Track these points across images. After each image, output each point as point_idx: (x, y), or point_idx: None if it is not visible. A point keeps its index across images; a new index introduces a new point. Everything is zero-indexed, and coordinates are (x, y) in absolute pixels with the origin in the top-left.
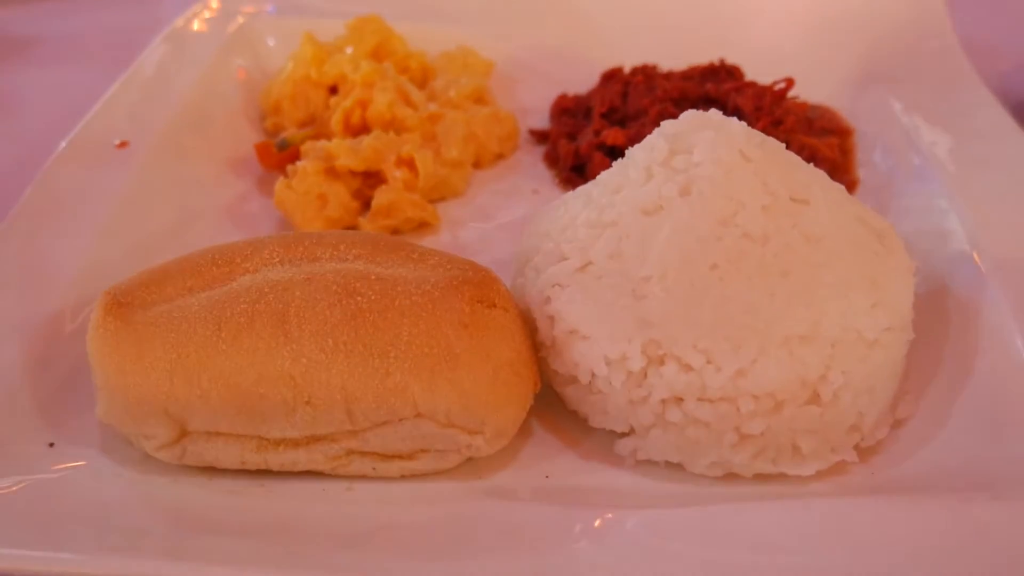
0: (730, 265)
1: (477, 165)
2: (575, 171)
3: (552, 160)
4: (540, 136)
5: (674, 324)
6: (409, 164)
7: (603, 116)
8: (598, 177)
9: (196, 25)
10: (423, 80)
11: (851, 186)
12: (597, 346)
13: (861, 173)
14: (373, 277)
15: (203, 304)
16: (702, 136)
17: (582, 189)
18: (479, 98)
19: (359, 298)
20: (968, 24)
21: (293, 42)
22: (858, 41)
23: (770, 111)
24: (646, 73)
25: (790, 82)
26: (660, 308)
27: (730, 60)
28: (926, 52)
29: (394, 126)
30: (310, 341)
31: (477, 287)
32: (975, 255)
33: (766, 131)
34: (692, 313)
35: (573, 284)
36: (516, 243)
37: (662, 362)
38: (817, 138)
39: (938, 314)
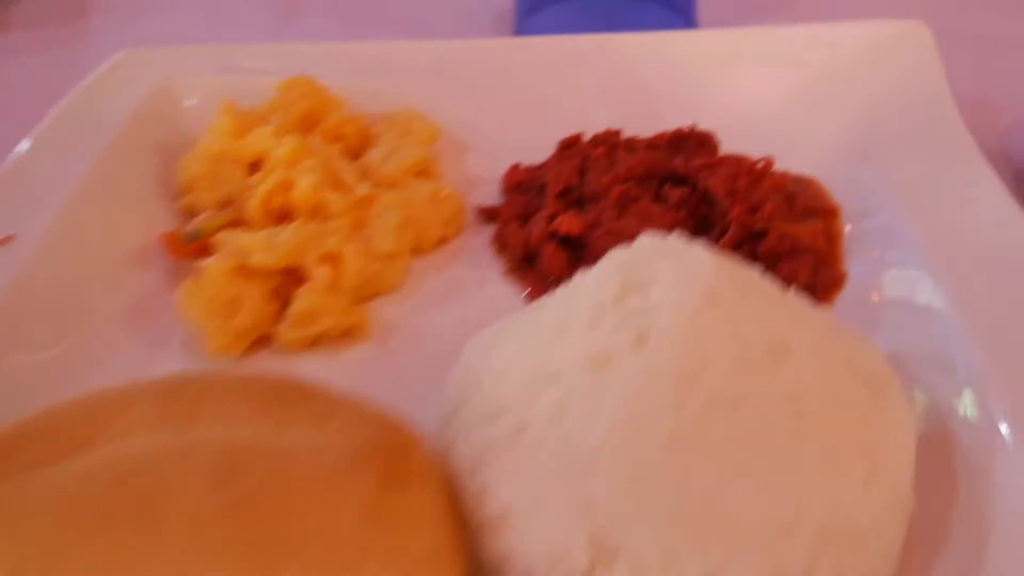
0: (694, 437)
1: (417, 251)
2: (526, 262)
3: (502, 245)
4: (489, 214)
5: (626, 511)
6: (335, 260)
7: (558, 196)
8: (544, 300)
9: (104, 85)
10: (360, 149)
11: (837, 283)
12: (532, 536)
13: (848, 263)
14: (262, 451)
15: (52, 486)
16: (660, 270)
17: (525, 314)
18: (422, 170)
19: (244, 480)
20: (965, 77)
21: (217, 105)
22: (846, 103)
23: (746, 195)
24: (608, 142)
25: (769, 163)
26: (609, 489)
27: (704, 125)
28: (921, 118)
29: (320, 213)
30: (183, 539)
31: (388, 461)
32: (983, 390)
33: (742, 219)
34: (648, 497)
35: (506, 452)
36: (455, 356)
37: (612, 560)
38: (800, 222)
39: (942, 467)
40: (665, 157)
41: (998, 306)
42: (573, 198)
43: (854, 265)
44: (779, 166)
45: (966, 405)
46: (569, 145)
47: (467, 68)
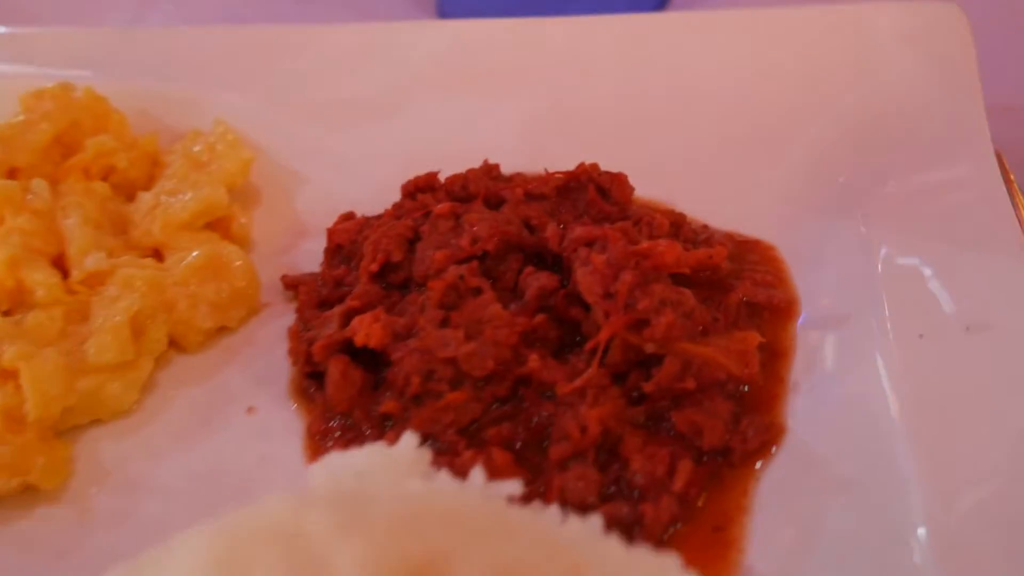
0: None
1: (179, 346)
2: (312, 378)
3: (291, 343)
4: (293, 285)
5: None
6: (14, 378)
7: (373, 277)
8: None
9: None
10: (147, 183)
11: (768, 442)
12: None
13: (791, 410)
14: None
15: None
16: None
17: None
18: (214, 222)
19: None
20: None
21: None
22: (826, 131)
23: (629, 298)
24: (465, 189)
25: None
26: None
27: (622, 164)
28: (942, 154)
29: (20, 300)
30: None
31: None
32: None
33: (622, 337)
34: None
35: None
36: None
37: None
38: (724, 332)
39: None
40: (543, 217)
41: None
42: (396, 280)
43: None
44: (727, 216)
45: None
46: (413, 191)
47: (323, 63)
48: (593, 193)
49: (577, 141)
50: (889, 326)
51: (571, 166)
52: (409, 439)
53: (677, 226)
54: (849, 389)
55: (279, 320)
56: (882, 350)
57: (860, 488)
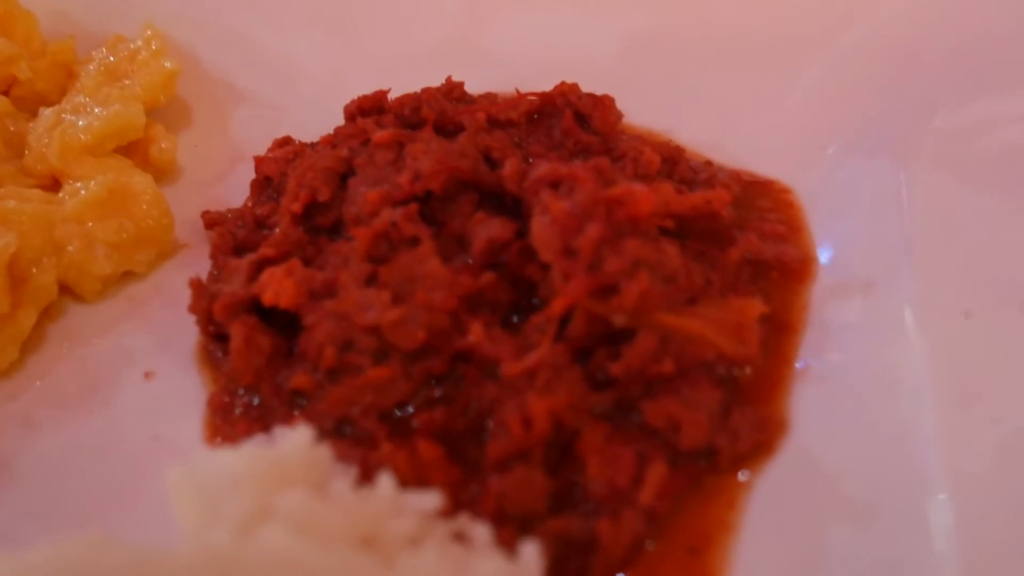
0: None
1: (75, 294)
2: (219, 341)
3: (193, 298)
4: (212, 224)
5: None
6: None
7: (295, 219)
8: None
9: None
10: (59, 96)
11: (773, 432)
12: None
13: (796, 402)
14: None
15: None
16: None
17: None
18: (128, 145)
19: None
20: None
21: None
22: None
23: (593, 255)
24: (419, 108)
25: (722, 196)
26: None
27: (605, 85)
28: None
29: None
30: None
31: None
32: None
33: (585, 306)
34: None
35: None
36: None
37: None
38: (722, 297)
39: None
40: (507, 149)
41: None
42: (325, 223)
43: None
44: (735, 151)
45: None
46: (356, 114)
47: None
48: (570, 120)
49: (559, 58)
50: (927, 298)
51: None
52: (302, 434)
53: (672, 162)
54: (871, 379)
55: (196, 266)
56: (917, 330)
57: (874, 510)
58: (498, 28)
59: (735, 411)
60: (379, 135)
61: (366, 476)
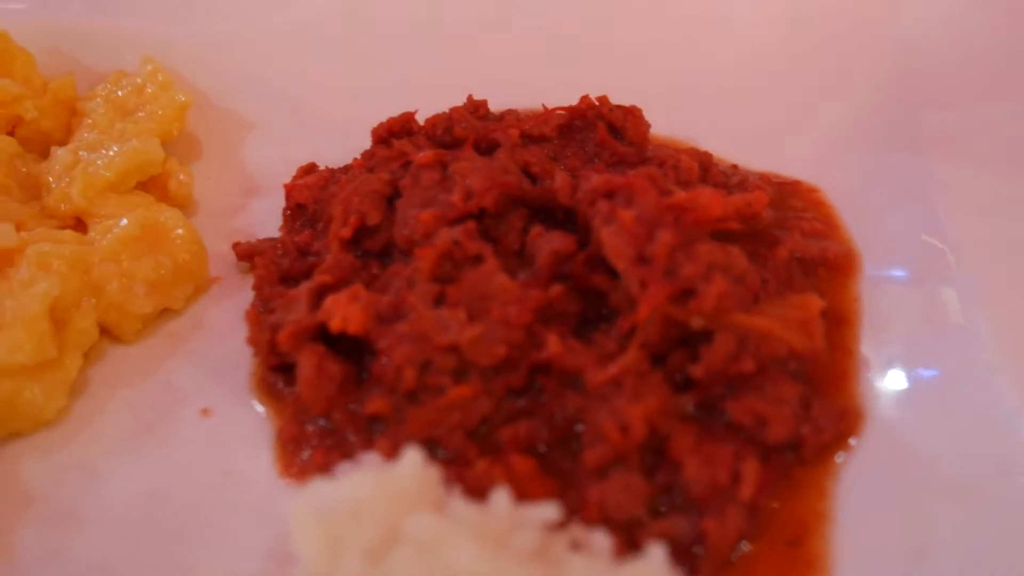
0: None
1: (113, 336)
2: (279, 372)
3: (252, 329)
4: (248, 255)
5: None
6: None
7: (345, 244)
8: None
9: None
10: (61, 138)
11: (853, 421)
12: None
13: (866, 390)
14: None
15: None
16: None
17: None
18: (145, 182)
19: None
20: None
21: None
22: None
23: (670, 261)
24: (451, 130)
25: (760, 198)
26: None
27: (631, 96)
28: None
29: None
30: None
31: None
32: None
33: (663, 311)
34: None
35: None
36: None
37: None
38: (775, 297)
39: None
40: (546, 163)
41: None
42: (374, 247)
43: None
44: (757, 154)
45: None
46: (387, 136)
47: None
48: (603, 132)
49: (576, 70)
50: (975, 284)
51: (571, 101)
52: (413, 456)
53: (704, 168)
54: (938, 364)
55: (233, 298)
56: (972, 315)
57: (971, 487)
58: (492, 50)
59: (814, 404)
60: (422, 156)
61: (470, 494)
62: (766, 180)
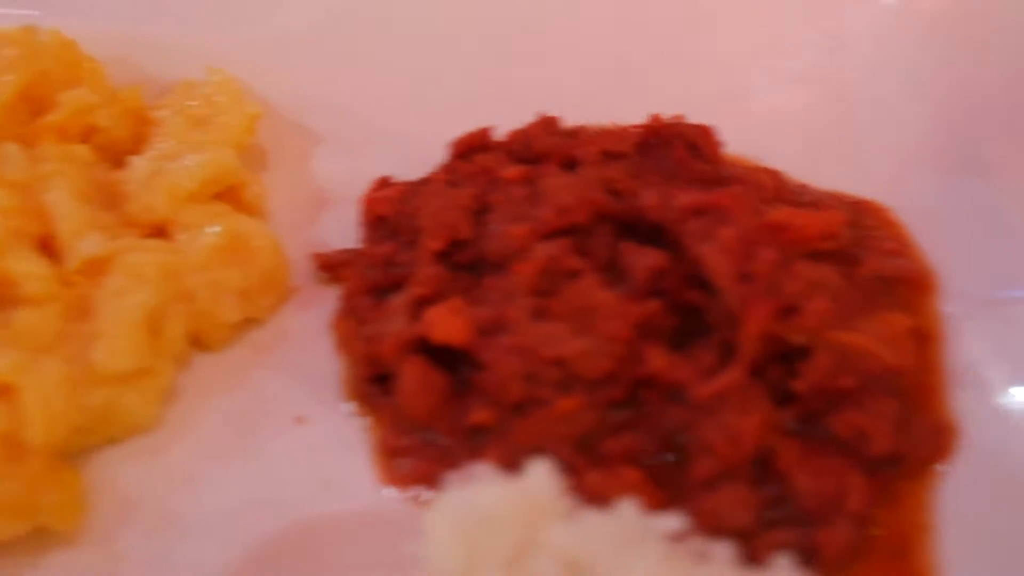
0: None
1: (200, 345)
2: (378, 383)
3: (343, 338)
4: (330, 266)
5: None
6: (9, 395)
7: (437, 257)
8: None
9: None
10: (132, 147)
11: (943, 445)
12: None
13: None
14: None
15: None
16: None
17: None
18: (223, 192)
19: None
20: None
21: None
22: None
23: (772, 280)
24: (532, 150)
25: (835, 219)
26: None
27: (699, 114)
28: None
29: (5, 294)
30: None
31: None
32: None
33: (767, 329)
34: None
35: None
36: None
37: None
38: (860, 316)
39: None
40: (627, 181)
41: None
42: (464, 260)
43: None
44: (825, 172)
45: None
46: (466, 151)
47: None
48: (682, 150)
49: (634, 87)
50: None
51: (624, 115)
52: (540, 466)
53: (777, 188)
54: None
55: (314, 308)
56: None
57: None
58: (553, 66)
59: (911, 419)
60: (510, 171)
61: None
62: (836, 199)
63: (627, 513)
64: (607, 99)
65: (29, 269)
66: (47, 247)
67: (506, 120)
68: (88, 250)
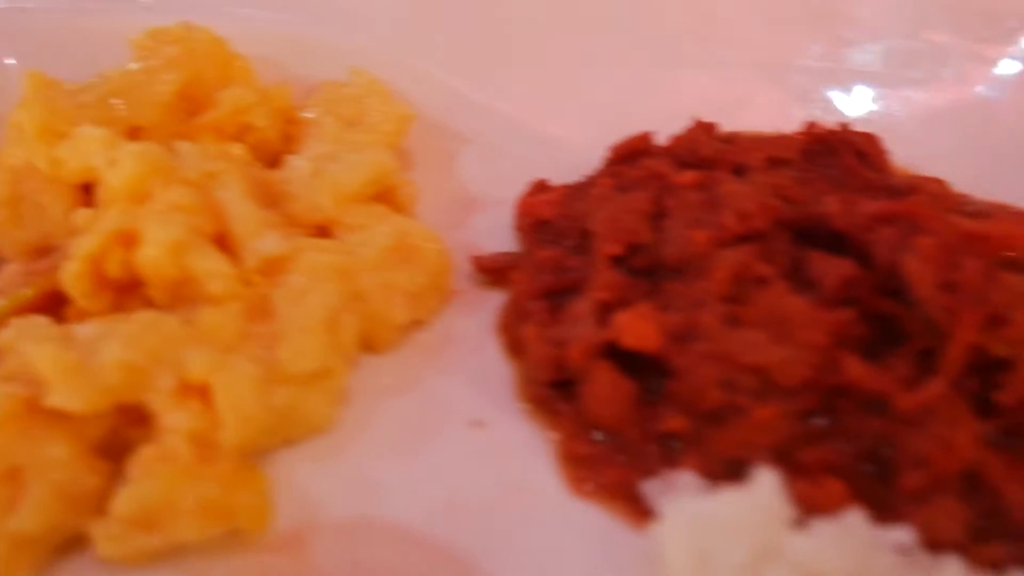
0: None
1: (368, 346)
2: (558, 388)
3: (514, 342)
4: (492, 269)
5: None
6: (203, 395)
7: (615, 262)
8: None
9: None
10: (283, 148)
11: None
12: None
13: None
14: None
15: None
16: None
17: None
18: (380, 193)
19: None
20: None
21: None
22: None
23: (980, 292)
24: (695, 151)
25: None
26: None
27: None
28: None
29: (186, 295)
30: None
31: None
32: None
33: (973, 341)
34: None
35: None
36: None
37: None
38: None
39: None
40: (796, 188)
41: None
42: (641, 265)
43: None
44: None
45: None
46: (628, 156)
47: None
48: (851, 158)
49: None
50: None
51: (771, 121)
52: (768, 475)
53: (944, 198)
54: None
55: (476, 310)
56: None
57: None
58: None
59: None
60: (685, 176)
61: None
62: (1000, 209)
63: (856, 524)
64: (739, 102)
65: (212, 267)
66: (222, 246)
67: (644, 125)
68: (267, 249)
